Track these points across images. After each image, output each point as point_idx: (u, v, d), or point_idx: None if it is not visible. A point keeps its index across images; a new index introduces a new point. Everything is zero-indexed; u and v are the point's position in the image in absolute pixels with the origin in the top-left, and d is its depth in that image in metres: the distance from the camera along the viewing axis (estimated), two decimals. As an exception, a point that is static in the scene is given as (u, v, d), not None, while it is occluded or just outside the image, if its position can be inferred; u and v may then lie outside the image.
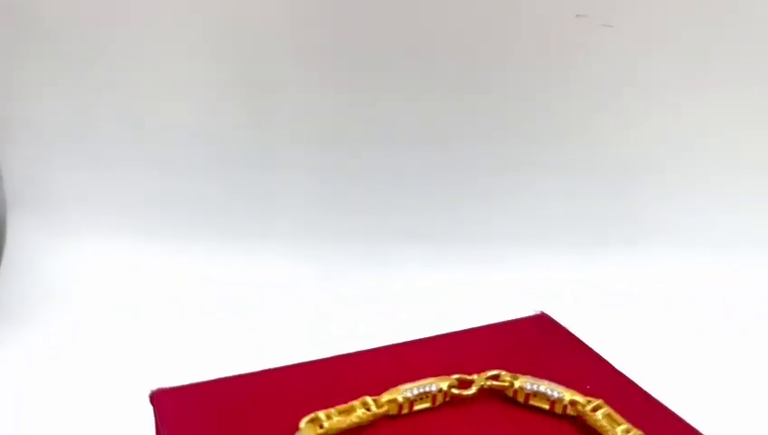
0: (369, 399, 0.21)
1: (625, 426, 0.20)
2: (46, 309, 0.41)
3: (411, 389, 0.21)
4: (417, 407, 0.21)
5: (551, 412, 0.22)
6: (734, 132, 0.45)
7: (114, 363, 0.36)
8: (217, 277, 0.44)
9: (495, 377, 0.22)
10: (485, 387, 0.22)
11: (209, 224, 0.46)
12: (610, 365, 0.24)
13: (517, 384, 0.22)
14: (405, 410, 0.21)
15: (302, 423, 0.20)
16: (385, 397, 0.21)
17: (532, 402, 0.22)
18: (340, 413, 0.20)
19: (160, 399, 0.22)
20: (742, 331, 0.41)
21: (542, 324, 0.27)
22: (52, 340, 0.38)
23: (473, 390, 0.22)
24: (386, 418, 0.21)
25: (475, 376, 0.22)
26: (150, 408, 0.22)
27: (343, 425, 0.20)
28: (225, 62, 0.42)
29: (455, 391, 0.22)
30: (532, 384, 0.22)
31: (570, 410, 0.21)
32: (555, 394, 0.21)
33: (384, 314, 0.40)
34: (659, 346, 0.39)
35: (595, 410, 0.21)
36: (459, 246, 0.45)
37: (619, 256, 0.45)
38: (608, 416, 0.20)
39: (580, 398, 0.21)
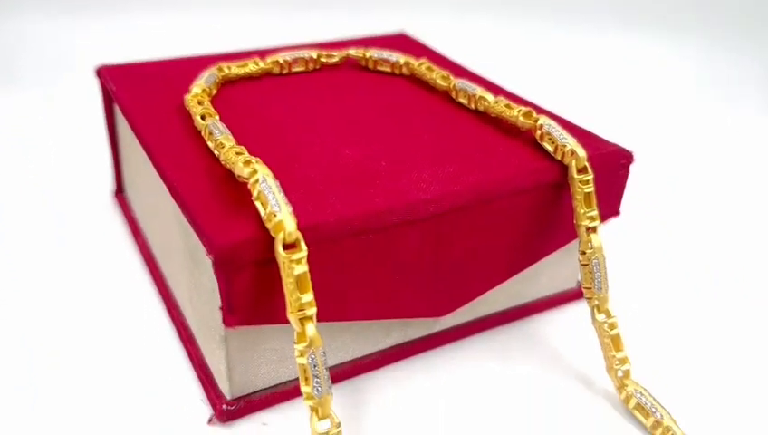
0: (258, 58, 0.29)
1: (442, 72, 0.28)
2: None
3: (290, 53, 0.29)
4: (295, 69, 0.29)
5: (392, 73, 0.30)
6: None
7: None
8: None
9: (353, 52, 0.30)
10: (345, 57, 0.30)
11: None
12: (468, 70, 0.32)
13: (368, 54, 0.30)
14: (285, 71, 0.29)
15: (210, 69, 0.27)
16: (269, 58, 0.29)
17: (379, 68, 0.30)
18: (238, 66, 0.28)
19: (105, 74, 0.29)
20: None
21: (403, 42, 0.35)
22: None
23: (336, 58, 0.30)
24: (271, 75, 0.29)
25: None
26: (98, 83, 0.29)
27: (240, 72, 0.28)
28: None
29: (323, 59, 0.30)
30: (378, 54, 0.30)
31: (405, 70, 0.30)
32: (394, 58, 0.30)
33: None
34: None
35: (422, 65, 0.29)
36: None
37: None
38: (429, 68, 0.29)
39: (412, 60, 0.30)
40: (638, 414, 0.22)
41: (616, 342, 0.23)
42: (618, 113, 0.47)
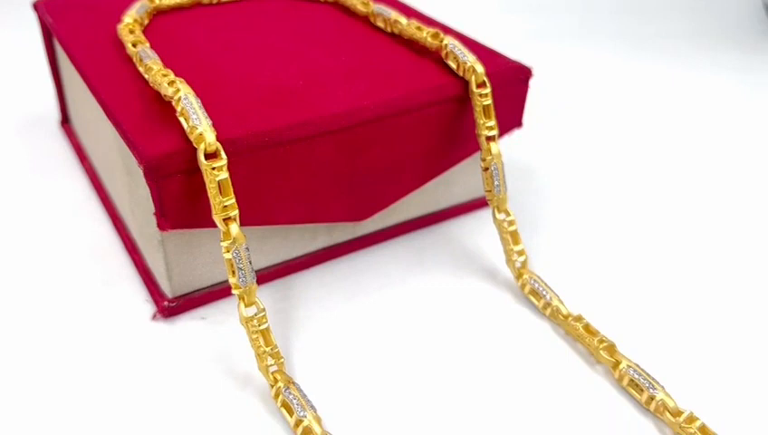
0: (188, -11, 0.30)
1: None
2: None
3: (219, -17, 0.31)
4: (225, -1, 0.31)
5: (317, 0, 0.32)
6: None
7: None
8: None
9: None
10: (273, -14, 0.32)
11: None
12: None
13: (295, -16, 0.32)
14: (215, 0, 0.31)
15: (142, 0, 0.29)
16: (200, -12, 0.30)
17: None
18: (168, -3, 0.30)
19: (42, 7, 0.30)
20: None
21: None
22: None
23: (263, -13, 0.32)
24: (201, 5, 0.31)
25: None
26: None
27: (171, 3, 0.29)
28: None
29: (252, -13, 0.32)
30: (304, -17, 0.32)
31: (330, -3, 0.32)
32: (320, -15, 0.32)
33: None
34: None
35: (346, -7, 0.31)
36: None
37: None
38: (352, -5, 0.31)
39: (336, -14, 0.31)
40: (532, 298, 0.26)
41: (514, 237, 0.26)
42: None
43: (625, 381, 0.23)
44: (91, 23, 0.28)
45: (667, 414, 0.22)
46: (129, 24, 0.27)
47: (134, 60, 0.25)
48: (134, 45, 0.25)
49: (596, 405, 0.22)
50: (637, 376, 0.22)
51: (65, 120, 0.34)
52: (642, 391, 0.22)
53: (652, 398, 0.22)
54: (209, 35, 0.28)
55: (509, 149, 0.35)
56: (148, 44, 0.25)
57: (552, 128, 0.38)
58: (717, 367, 0.24)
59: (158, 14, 0.29)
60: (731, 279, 0.27)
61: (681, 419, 0.21)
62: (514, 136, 0.36)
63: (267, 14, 0.30)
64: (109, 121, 0.23)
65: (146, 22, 0.28)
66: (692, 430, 0.21)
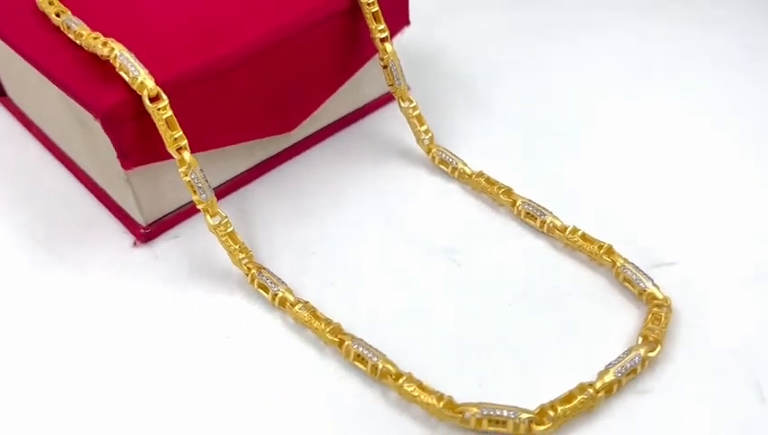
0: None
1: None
2: None
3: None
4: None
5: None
6: None
7: None
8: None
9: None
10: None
11: None
12: None
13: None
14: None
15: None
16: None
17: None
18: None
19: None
20: None
21: None
22: None
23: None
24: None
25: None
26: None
27: (76, -32, 0.32)
28: None
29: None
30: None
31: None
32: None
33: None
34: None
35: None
36: None
37: None
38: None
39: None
40: (442, 166, 0.31)
41: (419, 119, 0.31)
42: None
43: (522, 215, 0.29)
44: (9, 1, 0.31)
45: (557, 232, 0.28)
46: (47, -4, 0.29)
47: (62, 28, 0.28)
48: (58, 15, 0.28)
49: (499, 239, 0.28)
50: (529, 208, 0.28)
51: (2, 94, 0.37)
52: (535, 218, 0.28)
53: (543, 222, 0.28)
54: (120, -7, 0.31)
55: (404, 45, 0.40)
56: (69, 12, 0.28)
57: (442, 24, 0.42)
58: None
59: (68, -19, 0.32)
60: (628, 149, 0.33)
61: (567, 232, 0.28)
62: (407, 31, 0.40)
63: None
64: (55, 88, 0.26)
65: (59, -10, 0.31)
66: (575, 239, 0.27)
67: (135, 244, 0.29)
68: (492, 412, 0.22)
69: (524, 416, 0.22)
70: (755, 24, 0.40)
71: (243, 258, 0.26)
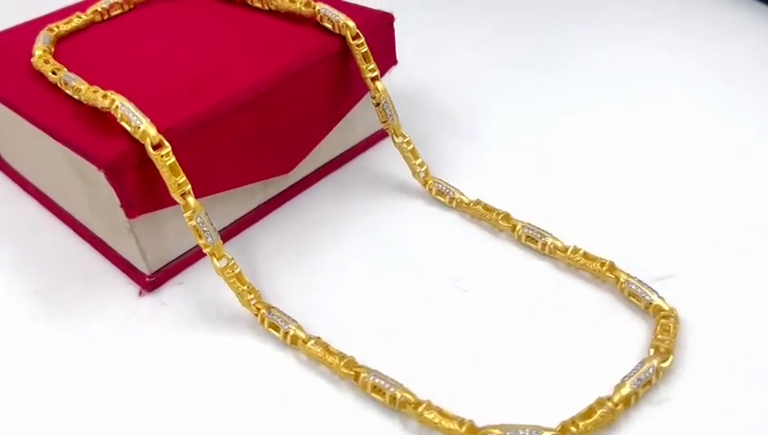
0: (79, 12, 0.33)
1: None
2: None
3: (105, 1, 0.34)
4: (114, 13, 0.34)
5: (196, -4, 0.36)
6: None
7: None
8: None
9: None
10: (154, -7, 0.35)
11: None
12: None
13: (172, -15, 0.36)
14: (106, 17, 0.34)
15: (43, 31, 0.32)
16: (89, 10, 0.34)
17: (184, -6, 0.36)
18: (65, 24, 0.33)
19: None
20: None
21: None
22: None
23: (146, -5, 0.35)
24: (95, 23, 0.34)
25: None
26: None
27: (68, 28, 0.33)
28: None
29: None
30: (180, -17, 0.36)
31: (206, -9, 0.35)
32: (194, -17, 0.35)
33: None
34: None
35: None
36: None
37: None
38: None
39: (209, -19, 0.35)
40: (439, 198, 0.32)
41: (414, 153, 0.32)
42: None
43: (523, 238, 0.29)
44: (4, 61, 0.31)
45: (558, 253, 0.28)
46: (42, 55, 0.30)
47: (59, 86, 0.28)
48: (54, 73, 0.29)
49: (502, 263, 0.29)
50: (529, 231, 0.29)
51: (-3, 158, 0.37)
52: (536, 241, 0.29)
53: (545, 244, 0.28)
54: (112, 47, 0.31)
55: (392, 84, 0.41)
56: (65, 69, 0.29)
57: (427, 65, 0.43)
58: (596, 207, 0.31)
59: (61, 40, 0.33)
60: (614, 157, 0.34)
61: (569, 252, 0.28)
62: (394, 72, 0.41)
63: (156, 18, 0.34)
64: (56, 143, 0.27)
65: (53, 49, 0.31)
66: (577, 258, 0.28)
67: (141, 293, 0.28)
68: (514, 433, 0.22)
69: (547, 434, 0.22)
70: (754, 39, 0.42)
71: (251, 299, 0.26)
